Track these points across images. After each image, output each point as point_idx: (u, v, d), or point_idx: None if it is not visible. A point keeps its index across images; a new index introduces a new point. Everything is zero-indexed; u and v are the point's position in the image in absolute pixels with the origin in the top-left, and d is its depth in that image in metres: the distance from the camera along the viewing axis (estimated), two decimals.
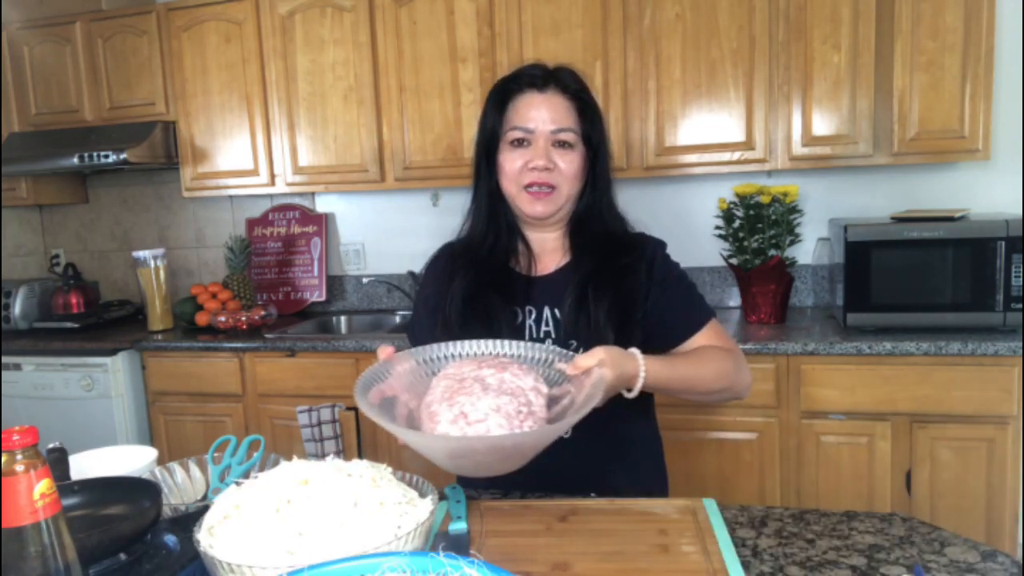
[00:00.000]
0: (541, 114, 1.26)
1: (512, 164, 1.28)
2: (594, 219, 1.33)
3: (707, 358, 1.24)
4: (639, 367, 1.10)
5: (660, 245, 1.37)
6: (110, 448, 1.25)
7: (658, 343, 1.28)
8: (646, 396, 1.30)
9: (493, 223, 1.35)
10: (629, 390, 1.13)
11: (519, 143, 1.28)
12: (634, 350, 1.12)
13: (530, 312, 1.31)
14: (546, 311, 1.31)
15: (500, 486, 1.27)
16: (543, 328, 1.31)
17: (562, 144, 1.27)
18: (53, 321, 3.15)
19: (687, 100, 2.53)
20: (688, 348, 1.28)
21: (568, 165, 1.27)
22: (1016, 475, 2.14)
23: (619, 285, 1.27)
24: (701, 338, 1.28)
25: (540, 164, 1.26)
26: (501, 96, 1.31)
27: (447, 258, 1.39)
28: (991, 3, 2.25)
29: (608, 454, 1.31)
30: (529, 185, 1.27)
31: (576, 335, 1.26)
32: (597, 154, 1.31)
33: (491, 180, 1.33)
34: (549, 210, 1.29)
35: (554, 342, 1.27)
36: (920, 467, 2.20)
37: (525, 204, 1.29)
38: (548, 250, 1.36)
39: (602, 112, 1.34)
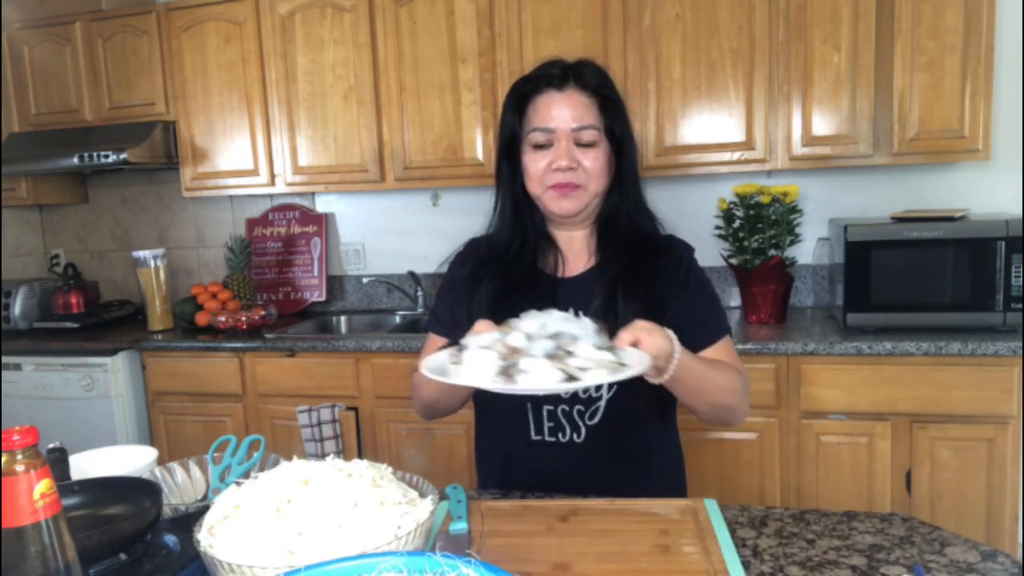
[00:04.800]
0: (561, 113, 1.24)
1: (536, 166, 1.26)
2: (622, 218, 1.31)
3: (724, 369, 1.21)
4: (675, 348, 1.06)
5: (688, 249, 1.36)
6: (110, 448, 1.25)
7: None
8: (667, 402, 1.29)
9: (519, 225, 1.33)
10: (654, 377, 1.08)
11: (541, 146, 1.26)
12: (670, 332, 1.08)
13: None
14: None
15: (506, 487, 1.28)
16: None
17: (585, 144, 1.25)
18: (53, 321, 3.15)
19: (687, 100, 2.52)
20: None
21: (592, 163, 1.25)
22: (1016, 475, 2.14)
23: (649, 289, 1.25)
24: (714, 352, 1.26)
25: (563, 164, 1.24)
26: (519, 98, 1.29)
27: (473, 255, 1.37)
28: (991, 3, 2.25)
29: (627, 463, 1.30)
30: (554, 186, 1.26)
31: None
32: (622, 149, 1.28)
33: (515, 183, 1.32)
34: (575, 207, 1.27)
35: None
36: (920, 467, 2.20)
37: (551, 202, 1.27)
38: (576, 250, 1.35)
39: (626, 106, 1.31)
